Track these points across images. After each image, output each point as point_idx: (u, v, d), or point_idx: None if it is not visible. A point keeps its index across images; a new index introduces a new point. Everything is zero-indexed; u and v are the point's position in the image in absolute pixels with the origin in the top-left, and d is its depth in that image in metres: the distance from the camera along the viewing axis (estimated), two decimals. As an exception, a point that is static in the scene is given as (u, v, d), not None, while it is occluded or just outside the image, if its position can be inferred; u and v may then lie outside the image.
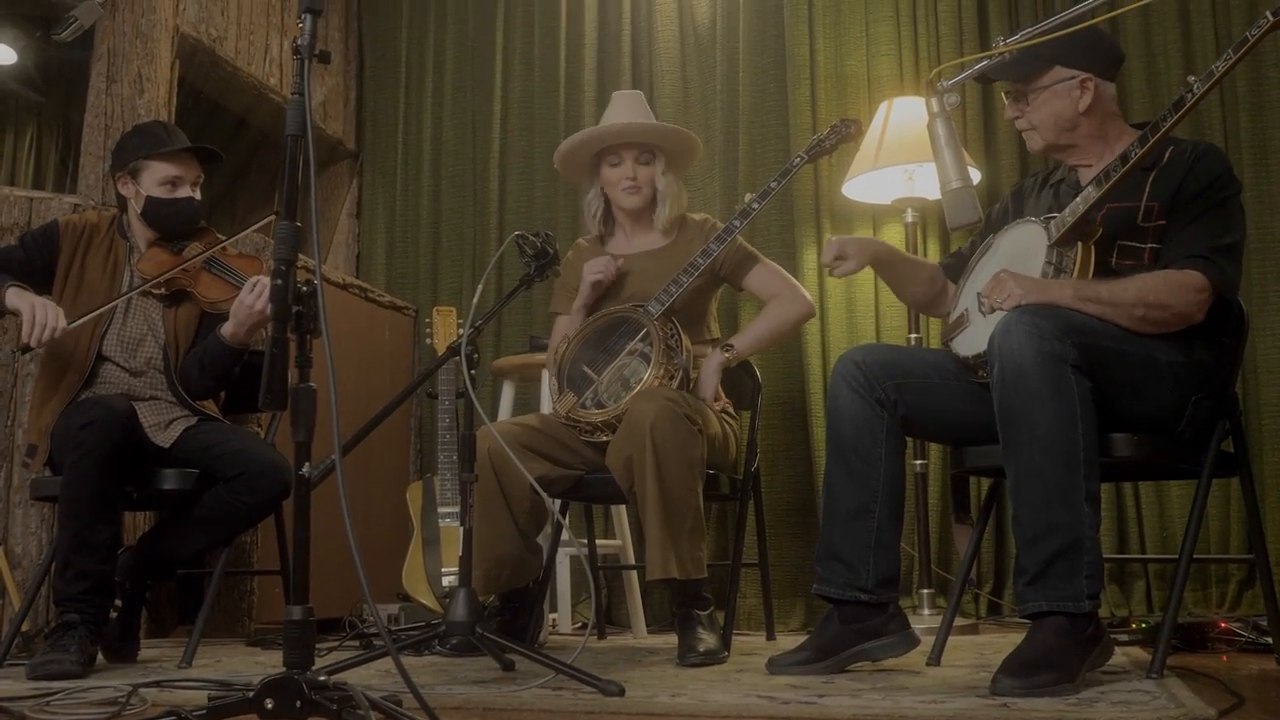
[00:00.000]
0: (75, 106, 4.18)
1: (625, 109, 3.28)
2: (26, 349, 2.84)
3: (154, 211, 3.05)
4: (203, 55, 4.41)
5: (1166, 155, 2.39)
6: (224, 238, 3.16)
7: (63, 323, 2.82)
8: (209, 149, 3.14)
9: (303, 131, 1.80)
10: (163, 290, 3.04)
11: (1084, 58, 2.46)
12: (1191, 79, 2.16)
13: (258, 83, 4.67)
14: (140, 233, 3.11)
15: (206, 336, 3.03)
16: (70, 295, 2.99)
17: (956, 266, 2.72)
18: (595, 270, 3.12)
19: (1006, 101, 2.59)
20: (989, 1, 4.30)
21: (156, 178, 3.05)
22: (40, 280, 3.02)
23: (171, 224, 3.07)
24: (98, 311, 2.94)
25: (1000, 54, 2.49)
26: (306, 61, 1.83)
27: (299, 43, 1.85)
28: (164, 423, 2.94)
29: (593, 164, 3.27)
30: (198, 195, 3.10)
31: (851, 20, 4.41)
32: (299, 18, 1.90)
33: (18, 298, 2.86)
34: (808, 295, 3.22)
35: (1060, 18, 2.39)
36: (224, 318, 2.98)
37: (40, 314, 2.79)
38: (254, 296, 2.91)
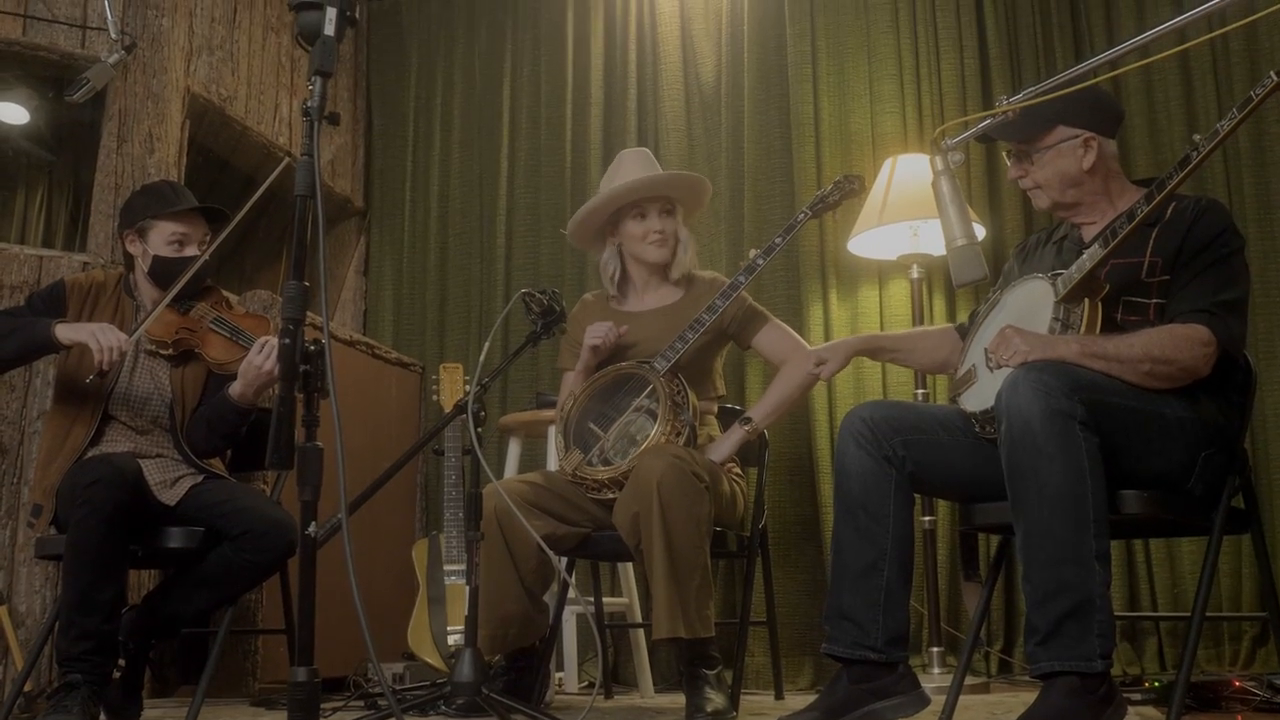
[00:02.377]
0: (86, 166, 4.22)
1: (638, 166, 3.28)
2: (103, 374, 2.85)
3: (160, 270, 3.07)
4: (213, 115, 4.46)
5: (1169, 211, 2.39)
6: (231, 296, 3.16)
7: (123, 337, 2.86)
8: (216, 209, 3.17)
9: (312, 192, 1.82)
10: (170, 351, 3.05)
11: (1086, 116, 2.48)
12: (1197, 138, 2.16)
13: (267, 142, 4.71)
14: (147, 291, 3.12)
15: (214, 394, 3.04)
16: (77, 353, 2.98)
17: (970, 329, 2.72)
18: (595, 335, 3.10)
19: (1009, 163, 2.60)
20: (991, 60, 4.34)
21: (163, 237, 3.07)
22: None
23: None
24: (144, 325, 2.97)
25: (1004, 112, 2.51)
26: (316, 123, 1.85)
27: (309, 104, 1.87)
28: (170, 480, 2.94)
29: (608, 225, 3.26)
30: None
31: (855, 79, 4.45)
32: (308, 79, 1.91)
33: (71, 331, 2.87)
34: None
35: (1062, 76, 2.40)
36: (232, 376, 2.98)
37: (103, 338, 2.82)
38: (263, 357, 2.90)
